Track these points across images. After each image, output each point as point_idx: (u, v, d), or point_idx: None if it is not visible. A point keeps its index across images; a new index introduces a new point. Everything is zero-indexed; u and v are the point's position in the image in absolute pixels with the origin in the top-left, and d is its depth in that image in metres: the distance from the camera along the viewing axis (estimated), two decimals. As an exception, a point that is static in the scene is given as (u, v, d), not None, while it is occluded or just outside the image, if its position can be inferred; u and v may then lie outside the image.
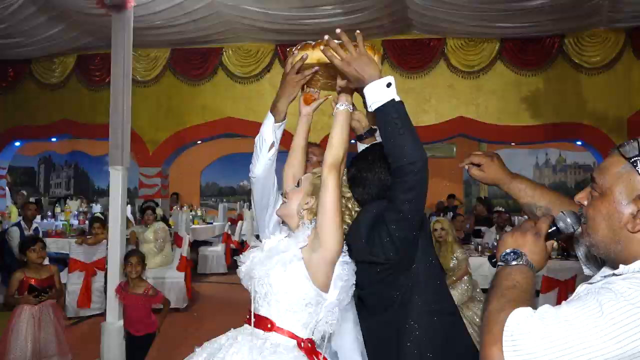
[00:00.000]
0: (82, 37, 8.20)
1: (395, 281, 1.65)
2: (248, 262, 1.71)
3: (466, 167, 1.70)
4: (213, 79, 8.71)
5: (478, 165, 1.68)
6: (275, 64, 8.49)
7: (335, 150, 1.65)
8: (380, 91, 1.54)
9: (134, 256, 4.06)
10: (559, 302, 3.67)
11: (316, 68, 1.82)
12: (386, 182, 1.70)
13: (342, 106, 1.71)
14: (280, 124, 1.96)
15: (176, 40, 8.19)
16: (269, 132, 1.94)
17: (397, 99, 1.54)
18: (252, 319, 1.65)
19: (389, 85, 1.54)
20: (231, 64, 8.57)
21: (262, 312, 1.64)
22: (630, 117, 7.53)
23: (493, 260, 1.23)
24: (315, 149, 2.35)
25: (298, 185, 1.79)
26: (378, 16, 7.13)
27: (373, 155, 1.77)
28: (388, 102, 1.52)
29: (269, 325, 1.61)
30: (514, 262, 1.13)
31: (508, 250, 1.16)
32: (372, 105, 1.55)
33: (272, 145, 1.94)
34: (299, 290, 1.59)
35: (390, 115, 1.52)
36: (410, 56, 8.05)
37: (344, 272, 1.64)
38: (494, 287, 1.11)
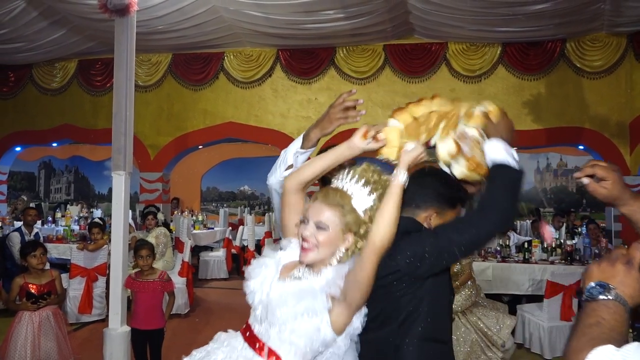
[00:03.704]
0: (84, 42, 8.20)
1: (401, 299, 1.63)
2: (265, 289, 1.58)
3: (584, 180, 1.46)
4: (214, 83, 8.71)
5: (593, 177, 1.44)
6: (277, 68, 8.49)
7: (384, 229, 1.47)
8: (508, 153, 1.59)
9: (144, 249, 4.11)
10: (563, 307, 3.58)
11: (362, 112, 1.77)
12: (441, 191, 1.76)
13: (402, 176, 1.50)
14: (305, 151, 1.88)
15: (178, 45, 8.19)
16: (291, 155, 1.89)
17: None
18: (256, 338, 1.59)
19: (513, 156, 1.60)
20: (232, 69, 8.57)
21: (263, 338, 1.57)
22: (632, 122, 7.52)
23: (582, 299, 1.08)
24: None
25: (323, 229, 1.56)
26: (380, 21, 7.13)
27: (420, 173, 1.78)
28: (515, 167, 1.58)
29: (266, 353, 1.55)
30: (600, 297, 1.00)
31: (593, 284, 1.02)
32: (496, 158, 1.59)
33: (290, 167, 1.89)
34: (318, 336, 1.52)
35: (511, 176, 1.57)
36: (412, 61, 8.04)
37: (356, 320, 1.59)
38: (575, 324, 0.99)
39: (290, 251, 1.67)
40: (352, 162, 1.89)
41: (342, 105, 1.76)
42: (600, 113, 7.64)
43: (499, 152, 1.58)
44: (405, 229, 1.65)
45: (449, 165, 1.74)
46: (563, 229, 7.85)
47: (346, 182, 1.60)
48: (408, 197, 1.75)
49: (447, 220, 1.76)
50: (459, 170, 1.71)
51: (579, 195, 12.69)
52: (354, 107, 1.79)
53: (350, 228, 1.56)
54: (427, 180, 1.80)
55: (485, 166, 1.64)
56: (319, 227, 1.54)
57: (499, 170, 1.57)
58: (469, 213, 1.67)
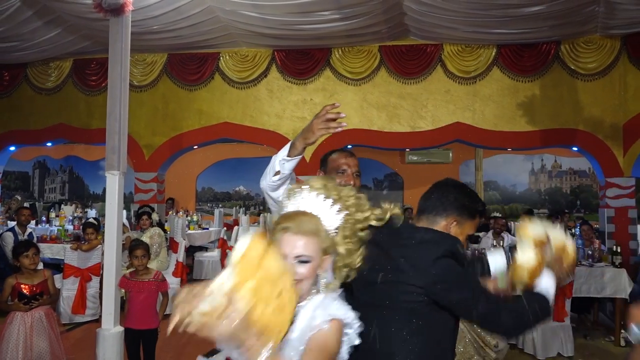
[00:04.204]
0: (79, 42, 8.17)
1: (404, 313, 1.67)
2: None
3: None
4: (210, 83, 8.69)
5: None
6: (272, 69, 8.49)
7: None
8: (553, 292, 1.78)
9: (139, 249, 4.10)
10: (555, 308, 3.65)
11: (344, 124, 1.84)
12: (463, 202, 1.84)
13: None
14: (292, 158, 1.95)
15: (173, 45, 8.17)
16: (278, 162, 1.97)
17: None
18: None
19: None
20: (228, 69, 8.56)
21: None
22: (625, 123, 7.55)
23: (631, 340, 1.10)
24: (351, 159, 2.29)
25: (305, 262, 1.43)
26: (375, 22, 7.14)
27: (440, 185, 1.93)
28: (548, 299, 1.76)
29: None
30: None
31: (634, 326, 1.05)
32: (547, 289, 1.77)
33: (278, 173, 1.97)
34: None
35: (547, 308, 1.74)
36: (407, 62, 8.05)
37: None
38: None
39: None
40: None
41: (325, 117, 1.84)
42: (594, 115, 7.68)
43: (550, 285, 1.77)
44: (452, 250, 1.69)
45: (520, 243, 1.84)
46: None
47: (310, 202, 1.49)
48: (429, 205, 1.86)
49: (466, 230, 1.85)
50: (525, 257, 1.80)
51: (573, 197, 12.75)
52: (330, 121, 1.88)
53: (327, 252, 1.47)
54: (450, 189, 1.87)
55: (534, 281, 1.78)
56: (302, 260, 1.41)
57: (541, 297, 1.74)
58: (506, 302, 1.76)
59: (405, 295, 1.65)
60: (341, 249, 1.48)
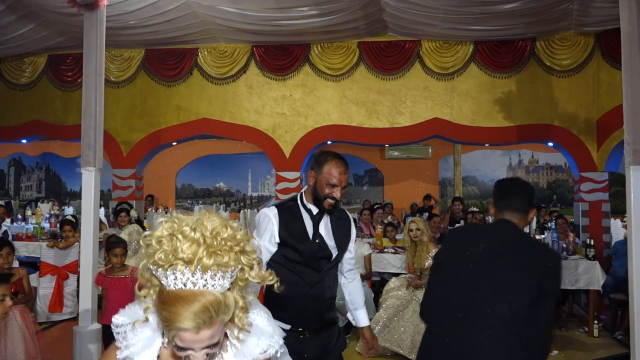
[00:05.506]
0: (53, 37, 8.03)
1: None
2: None
3: None
4: (188, 79, 8.63)
5: None
6: (251, 65, 8.46)
7: None
8: None
9: (118, 247, 4.06)
10: None
11: None
12: (533, 195, 2.36)
13: None
14: None
15: (150, 40, 8.08)
16: None
17: None
18: None
19: None
20: (207, 65, 8.50)
21: None
22: (599, 119, 7.70)
23: None
24: (344, 177, 2.32)
25: (215, 345, 1.28)
26: (354, 18, 7.16)
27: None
28: None
29: None
30: None
31: None
32: None
33: None
34: None
35: None
36: (385, 58, 8.10)
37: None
38: None
39: (140, 343, 1.38)
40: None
41: None
42: (569, 110, 7.82)
43: None
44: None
45: None
46: (533, 224, 8.01)
47: (198, 279, 1.21)
48: (518, 203, 2.26)
49: (533, 214, 2.37)
50: None
51: (550, 191, 12.99)
52: None
53: (231, 314, 1.30)
54: (527, 187, 2.35)
55: None
56: (211, 346, 1.27)
57: None
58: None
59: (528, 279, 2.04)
60: (241, 302, 1.31)
